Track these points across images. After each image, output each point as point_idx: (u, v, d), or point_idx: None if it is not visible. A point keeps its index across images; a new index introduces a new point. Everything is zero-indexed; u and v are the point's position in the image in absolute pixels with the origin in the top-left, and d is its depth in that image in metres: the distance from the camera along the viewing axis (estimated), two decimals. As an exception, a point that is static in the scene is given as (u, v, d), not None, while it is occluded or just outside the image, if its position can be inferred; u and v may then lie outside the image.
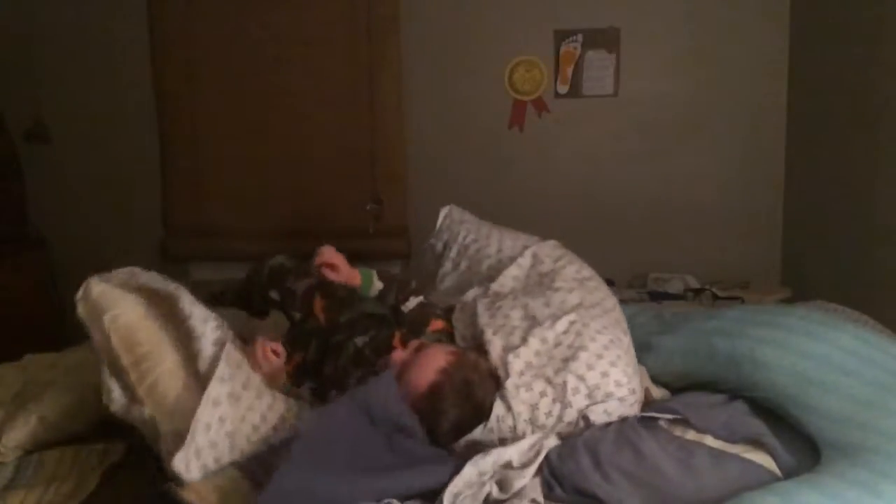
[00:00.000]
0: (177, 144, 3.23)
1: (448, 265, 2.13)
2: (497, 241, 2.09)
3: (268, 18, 3.14)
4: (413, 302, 1.75)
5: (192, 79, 3.18)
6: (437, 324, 1.72)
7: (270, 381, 1.59)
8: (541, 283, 1.87)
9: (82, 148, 3.25)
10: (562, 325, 1.66)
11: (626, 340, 1.71)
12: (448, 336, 1.72)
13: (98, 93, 3.21)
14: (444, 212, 2.25)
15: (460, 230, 2.19)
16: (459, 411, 1.46)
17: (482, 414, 1.48)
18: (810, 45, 3.00)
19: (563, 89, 3.20)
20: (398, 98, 3.18)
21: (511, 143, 3.24)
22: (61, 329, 3.24)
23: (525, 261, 1.96)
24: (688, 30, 3.14)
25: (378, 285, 1.81)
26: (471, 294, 1.89)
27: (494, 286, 1.89)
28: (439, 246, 2.20)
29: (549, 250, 2.00)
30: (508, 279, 1.92)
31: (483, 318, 1.72)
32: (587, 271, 1.92)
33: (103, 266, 3.49)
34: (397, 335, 1.69)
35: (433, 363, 1.48)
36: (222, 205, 3.26)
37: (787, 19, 3.11)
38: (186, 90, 3.19)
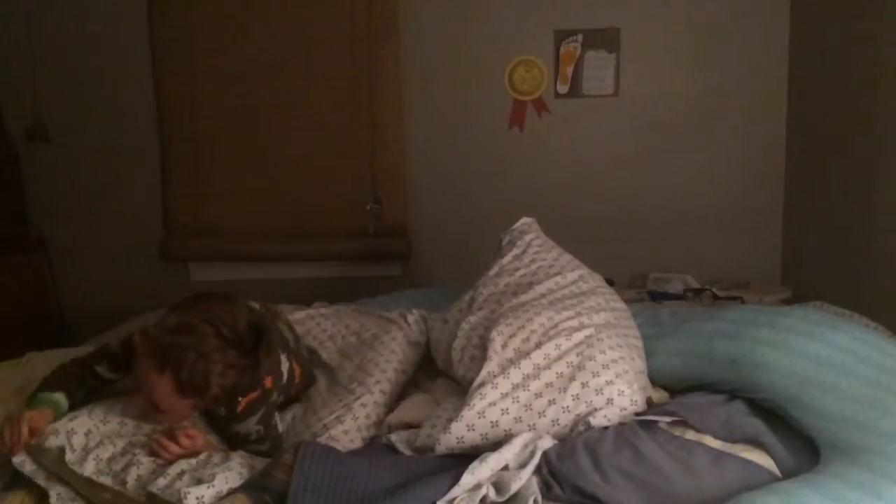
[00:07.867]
0: (177, 144, 3.22)
1: (505, 260, 2.10)
2: (556, 256, 2.08)
3: (268, 18, 3.14)
4: None
5: (192, 78, 3.18)
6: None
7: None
8: (574, 297, 1.89)
9: (82, 148, 3.24)
10: (578, 336, 1.68)
11: (640, 364, 1.72)
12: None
13: (98, 93, 3.20)
14: (523, 219, 2.22)
15: (530, 235, 2.16)
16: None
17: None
18: (811, 44, 3.00)
19: (563, 89, 3.20)
20: (398, 98, 3.18)
21: (511, 143, 3.23)
22: (61, 329, 3.24)
23: (565, 279, 1.96)
24: (688, 30, 3.14)
25: None
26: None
27: (530, 293, 1.90)
28: (505, 240, 2.18)
29: (597, 277, 2.02)
30: (544, 289, 1.92)
31: (500, 323, 1.74)
32: (621, 304, 1.95)
33: (103, 266, 3.48)
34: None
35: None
36: (222, 205, 3.26)
37: (788, 19, 3.11)
38: (187, 90, 3.18)
